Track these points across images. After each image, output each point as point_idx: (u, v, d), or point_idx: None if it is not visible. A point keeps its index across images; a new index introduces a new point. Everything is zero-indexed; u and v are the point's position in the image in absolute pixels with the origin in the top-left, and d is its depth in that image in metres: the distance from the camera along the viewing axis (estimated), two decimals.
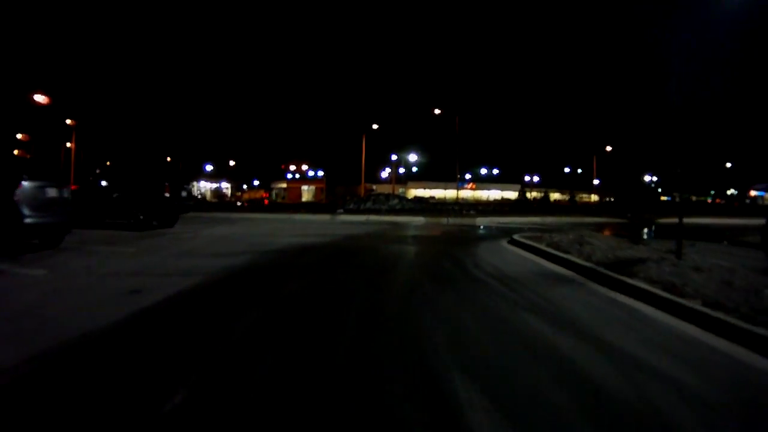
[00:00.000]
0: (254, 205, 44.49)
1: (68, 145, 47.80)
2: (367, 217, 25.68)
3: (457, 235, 16.63)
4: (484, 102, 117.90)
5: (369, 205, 32.70)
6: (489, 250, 11.19)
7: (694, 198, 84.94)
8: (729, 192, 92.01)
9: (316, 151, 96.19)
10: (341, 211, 30.58)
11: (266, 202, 70.58)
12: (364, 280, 7.19)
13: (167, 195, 14.83)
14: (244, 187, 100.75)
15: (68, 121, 44.60)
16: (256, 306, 5.39)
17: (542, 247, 10.49)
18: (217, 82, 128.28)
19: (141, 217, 14.24)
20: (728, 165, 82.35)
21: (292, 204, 54.43)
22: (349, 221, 23.64)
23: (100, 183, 15.19)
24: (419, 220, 24.75)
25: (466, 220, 25.09)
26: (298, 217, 26.41)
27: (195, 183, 78.39)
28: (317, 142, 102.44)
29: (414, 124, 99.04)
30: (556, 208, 44.97)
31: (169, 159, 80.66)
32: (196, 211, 25.28)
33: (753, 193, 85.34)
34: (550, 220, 26.11)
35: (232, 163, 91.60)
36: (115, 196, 14.67)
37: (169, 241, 11.95)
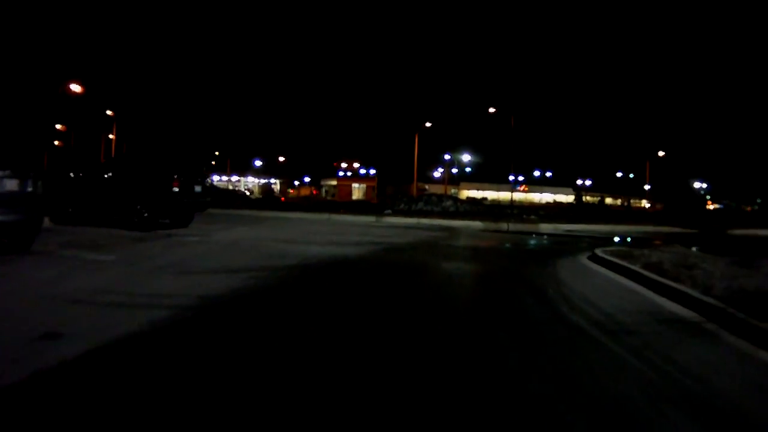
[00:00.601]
0: (295, 203, 43.20)
1: (110, 136, 48.09)
2: (417, 220, 23.85)
3: (524, 247, 14.60)
4: (538, 103, 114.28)
5: (421, 206, 30.76)
6: (571, 272, 9.12)
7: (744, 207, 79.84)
8: None
9: (368, 149, 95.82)
10: (389, 212, 28.85)
11: (313, 196, 69.41)
12: (401, 336, 4.57)
13: (176, 189, 13.14)
14: (296, 183, 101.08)
15: (108, 112, 44.71)
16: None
17: (640, 270, 8.39)
18: (271, 77, 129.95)
19: (145, 214, 12.66)
20: None
21: (334, 202, 53.11)
22: (397, 224, 21.90)
23: (102, 174, 13.66)
24: (476, 225, 22.75)
25: (528, 227, 22.91)
26: (339, 218, 24.81)
27: (215, 176, 78.84)
28: (369, 140, 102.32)
29: (468, 123, 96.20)
30: (614, 214, 41.45)
31: (217, 153, 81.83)
32: (224, 208, 23.92)
33: None
34: (618, 228, 23.68)
35: (282, 159, 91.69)
36: (114, 190, 13.16)
37: (164, 246, 10.12)
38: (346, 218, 24.68)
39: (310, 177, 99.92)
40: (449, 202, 31.74)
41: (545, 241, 16.67)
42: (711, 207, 78.61)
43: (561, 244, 15.25)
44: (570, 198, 76.61)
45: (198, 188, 14.24)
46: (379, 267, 9.24)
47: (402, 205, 31.71)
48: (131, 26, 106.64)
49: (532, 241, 16.47)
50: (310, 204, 42.40)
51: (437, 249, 12.55)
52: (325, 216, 24.83)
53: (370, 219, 24.25)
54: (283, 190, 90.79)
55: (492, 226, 22.39)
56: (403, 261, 10.15)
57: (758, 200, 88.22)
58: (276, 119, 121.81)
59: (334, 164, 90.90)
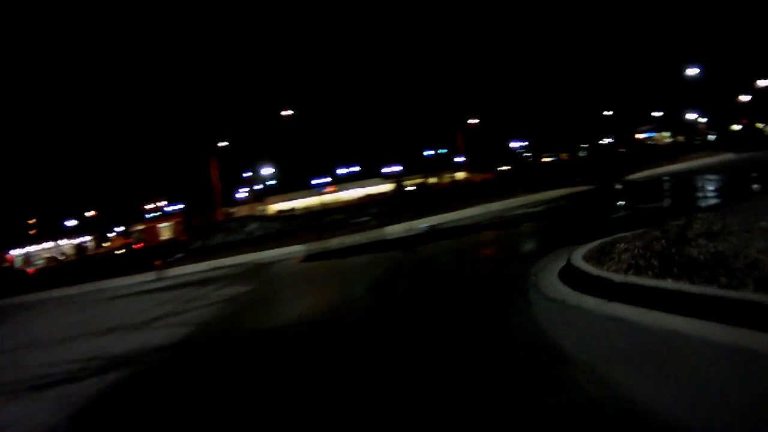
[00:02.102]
0: (60, 273, 31.97)
1: None
2: (212, 264, 16.29)
3: (401, 282, 8.22)
4: (329, 100, 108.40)
5: (220, 238, 22.72)
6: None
7: (565, 156, 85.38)
8: (604, 141, 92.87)
9: (171, 183, 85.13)
10: (181, 255, 20.71)
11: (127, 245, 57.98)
12: None
13: None
14: (109, 235, 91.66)
15: None
16: None
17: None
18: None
19: None
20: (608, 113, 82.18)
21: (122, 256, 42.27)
22: (179, 282, 14.02)
23: None
24: (297, 250, 16.01)
25: (374, 234, 16.63)
26: (107, 285, 16.33)
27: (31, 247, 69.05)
28: (170, 174, 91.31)
29: (264, 134, 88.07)
30: (460, 193, 35.11)
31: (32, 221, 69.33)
32: None
33: (641, 136, 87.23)
34: (495, 206, 18.33)
35: (92, 213, 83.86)
36: None
37: None
38: (115, 283, 16.25)
39: (123, 226, 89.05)
40: (254, 225, 24.36)
41: (429, 260, 10.50)
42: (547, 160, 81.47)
43: (461, 259, 9.36)
44: (382, 188, 72.25)
45: None
46: None
47: (197, 243, 23.40)
48: None
49: (408, 264, 10.25)
50: (80, 268, 31.32)
51: (230, 356, 5.66)
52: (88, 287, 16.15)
53: (148, 277, 16.09)
54: (98, 246, 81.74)
55: (318, 245, 15.84)
56: None
57: (583, 145, 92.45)
58: (77, 170, 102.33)
59: (142, 207, 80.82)
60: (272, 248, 16.81)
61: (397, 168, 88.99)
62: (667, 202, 13.44)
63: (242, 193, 74.77)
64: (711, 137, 61.02)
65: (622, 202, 15.45)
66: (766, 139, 33.72)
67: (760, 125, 67.11)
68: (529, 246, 9.83)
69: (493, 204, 18.63)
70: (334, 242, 15.95)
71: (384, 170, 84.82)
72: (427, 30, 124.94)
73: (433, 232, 15.20)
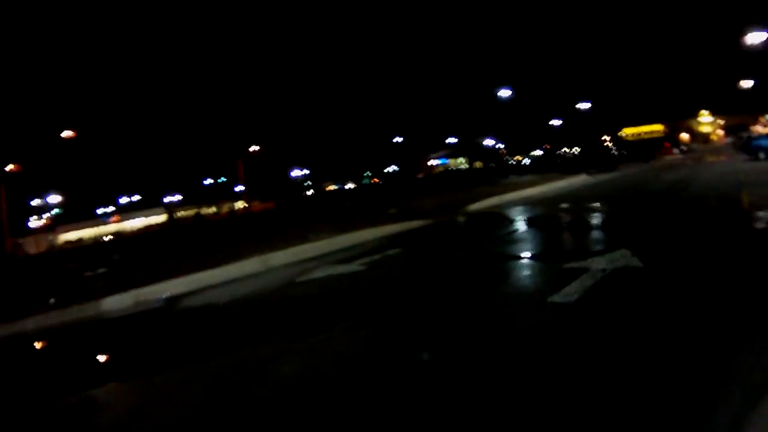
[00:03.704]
0: None
1: None
2: None
3: None
4: (112, 124, 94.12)
5: None
6: None
7: (352, 185, 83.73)
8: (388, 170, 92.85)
9: None
10: None
11: None
12: None
13: None
14: None
15: None
16: None
17: None
18: None
19: None
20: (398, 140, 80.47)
21: None
22: None
23: None
24: None
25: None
26: None
27: None
28: None
29: (50, 158, 73.18)
30: (221, 229, 27.56)
31: None
32: None
33: (433, 162, 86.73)
34: (278, 260, 9.85)
35: None
36: None
37: None
38: None
39: None
40: None
41: None
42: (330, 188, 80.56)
43: None
44: (162, 218, 67.59)
45: None
46: None
47: None
48: None
49: None
50: None
51: None
52: None
53: None
54: None
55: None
56: None
57: (366, 174, 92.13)
58: None
59: None
60: None
61: (177, 197, 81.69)
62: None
63: (34, 222, 67.93)
64: (526, 161, 61.60)
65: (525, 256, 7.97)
66: (615, 158, 32.61)
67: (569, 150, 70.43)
68: None
69: (276, 255, 10.52)
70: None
71: (165, 199, 79.86)
72: (207, 55, 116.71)
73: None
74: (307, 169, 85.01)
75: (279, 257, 10.38)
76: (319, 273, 8.42)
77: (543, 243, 9.28)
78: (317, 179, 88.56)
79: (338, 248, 10.98)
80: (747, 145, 24.94)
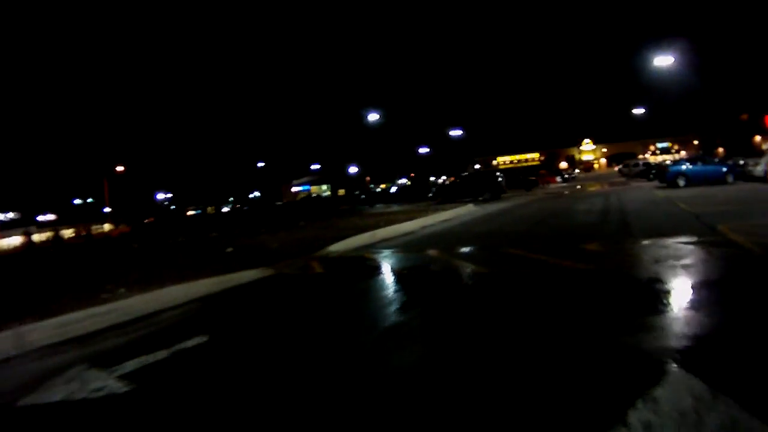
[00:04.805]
0: None
1: None
2: None
3: None
4: None
5: None
6: None
7: (211, 209, 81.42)
8: (252, 195, 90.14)
9: None
10: None
11: None
12: None
13: None
14: None
15: None
16: None
17: None
18: None
19: None
20: (260, 164, 77.29)
21: None
22: None
23: None
24: None
25: None
26: None
27: None
28: None
29: None
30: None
31: None
32: None
33: (295, 189, 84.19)
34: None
35: None
36: None
37: None
38: None
39: None
40: None
41: None
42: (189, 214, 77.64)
43: None
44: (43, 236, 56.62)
45: None
46: None
47: None
48: None
49: None
50: None
51: None
52: None
53: None
54: None
55: None
56: None
57: (231, 199, 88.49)
58: None
59: None
60: None
61: (50, 216, 77.94)
62: None
63: None
64: (393, 189, 58.33)
65: None
66: (501, 187, 29.16)
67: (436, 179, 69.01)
68: None
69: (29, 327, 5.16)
70: None
71: (39, 218, 76.79)
72: (72, 67, 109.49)
73: None
74: (170, 192, 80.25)
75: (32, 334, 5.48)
76: (56, 390, 3.83)
77: (452, 350, 4.09)
78: (181, 203, 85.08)
79: (121, 321, 6.25)
80: (662, 173, 25.14)
